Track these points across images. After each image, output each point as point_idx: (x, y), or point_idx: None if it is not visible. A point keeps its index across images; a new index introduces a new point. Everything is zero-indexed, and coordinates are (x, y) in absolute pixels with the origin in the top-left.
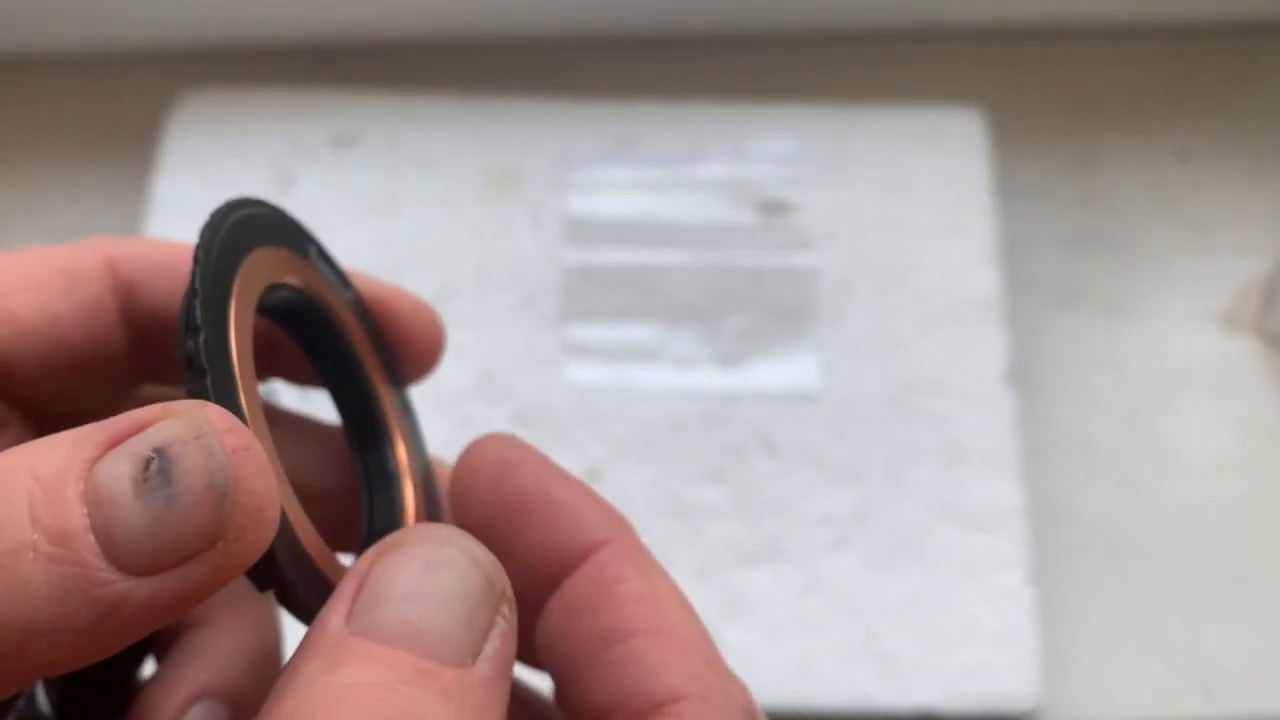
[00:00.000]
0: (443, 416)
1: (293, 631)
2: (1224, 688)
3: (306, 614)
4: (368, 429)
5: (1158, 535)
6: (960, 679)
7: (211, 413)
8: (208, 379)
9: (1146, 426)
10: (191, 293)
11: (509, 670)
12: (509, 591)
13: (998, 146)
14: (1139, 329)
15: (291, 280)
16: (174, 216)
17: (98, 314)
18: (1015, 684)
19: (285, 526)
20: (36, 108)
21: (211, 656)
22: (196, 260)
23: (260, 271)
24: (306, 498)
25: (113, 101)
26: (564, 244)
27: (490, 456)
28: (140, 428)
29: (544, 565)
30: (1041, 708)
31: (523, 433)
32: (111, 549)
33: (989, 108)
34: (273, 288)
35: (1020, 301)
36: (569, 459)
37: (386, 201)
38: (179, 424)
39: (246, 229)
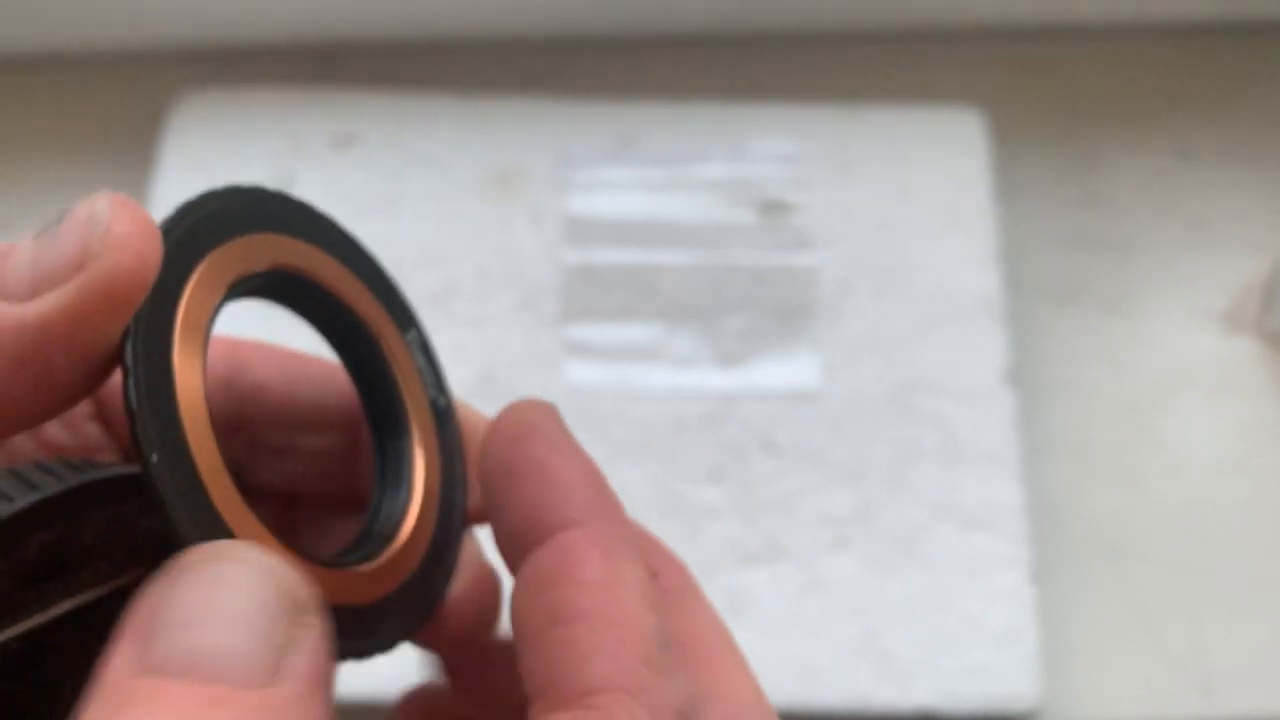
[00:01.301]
0: None
1: None
2: (1224, 688)
3: (172, 529)
4: (386, 415)
5: (1158, 535)
6: (960, 679)
7: (116, 194)
8: (135, 425)
9: (1146, 426)
10: (124, 332)
11: (323, 681)
12: (310, 599)
13: (998, 146)
14: (1139, 329)
15: (260, 265)
16: None
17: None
18: (1015, 684)
19: (182, 449)
20: (36, 108)
21: None
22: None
23: (224, 267)
24: (310, 428)
25: (113, 101)
26: (564, 244)
27: (515, 418)
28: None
29: (523, 531)
30: (1041, 708)
31: None
32: (1, 281)
33: (989, 108)
34: (240, 280)
35: (1020, 301)
36: None
37: (386, 201)
38: (99, 193)
39: (207, 227)
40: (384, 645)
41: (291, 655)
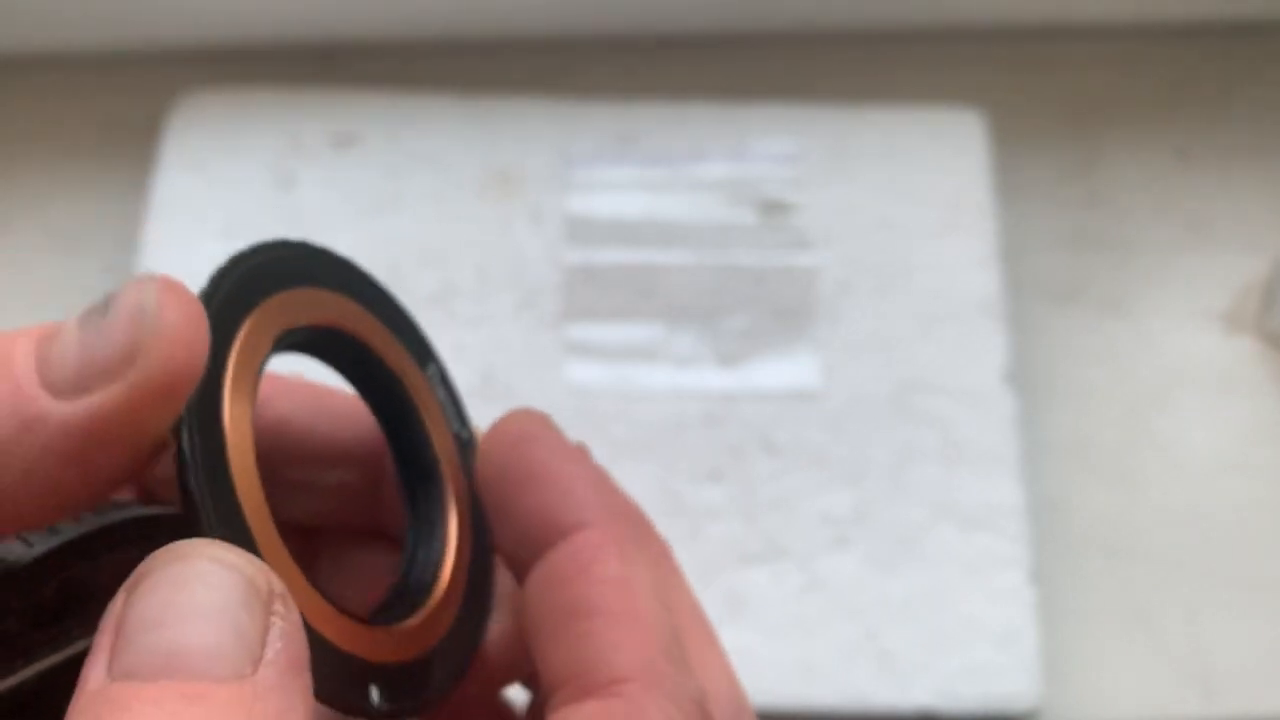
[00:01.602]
0: None
1: None
2: (1224, 688)
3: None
4: (414, 460)
5: (1158, 535)
6: (960, 679)
7: (165, 275)
8: (194, 509)
9: (1146, 426)
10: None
11: (300, 667)
12: (279, 587)
13: (998, 146)
14: (1139, 329)
15: (299, 321)
16: (174, 216)
17: None
18: (1015, 684)
19: (242, 527)
20: (36, 108)
21: None
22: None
23: (266, 326)
24: (331, 463)
25: (113, 101)
26: (564, 244)
27: (513, 427)
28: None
29: (534, 534)
30: (1041, 708)
31: None
32: (44, 370)
33: (989, 108)
34: (281, 337)
35: (1020, 301)
36: None
37: (386, 201)
38: (140, 277)
39: (246, 286)
40: (437, 697)
41: (267, 645)
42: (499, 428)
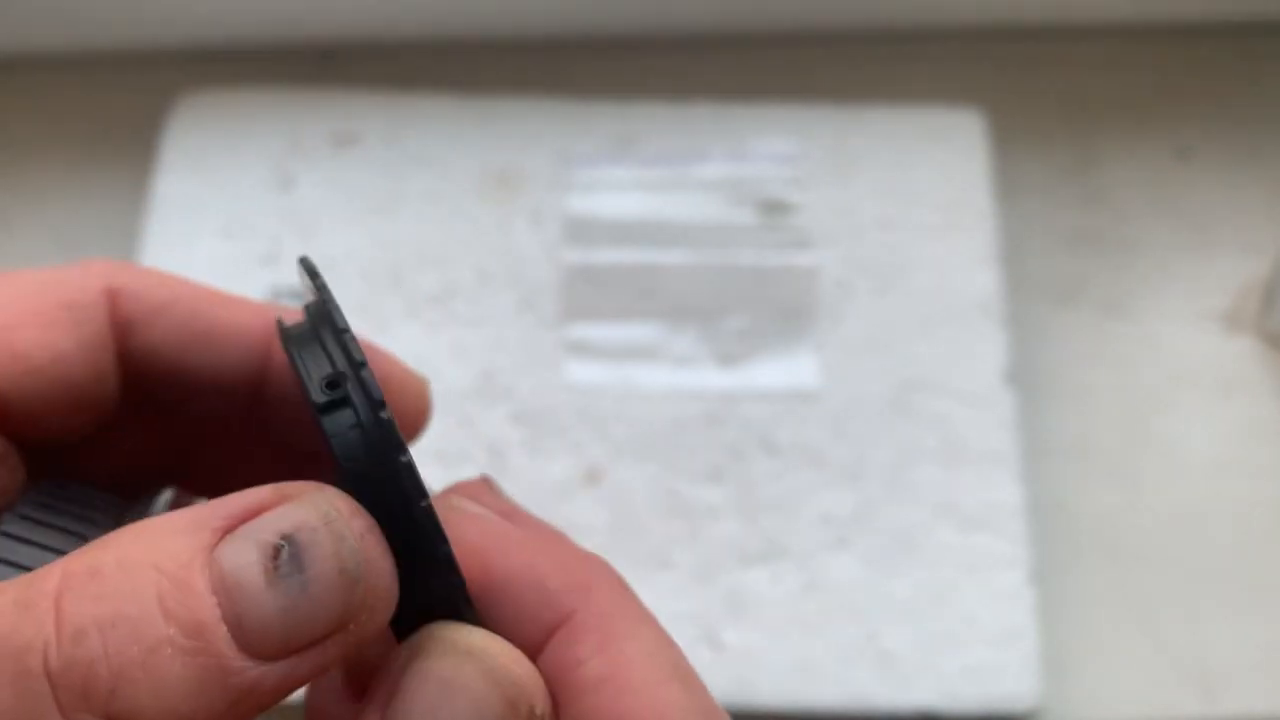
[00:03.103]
0: (443, 416)
1: None
2: (1224, 688)
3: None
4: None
5: (1158, 535)
6: (960, 679)
7: (333, 495)
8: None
9: (1146, 426)
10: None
11: None
12: (539, 705)
13: (998, 146)
14: (1139, 329)
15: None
16: (174, 216)
17: (99, 351)
18: (1015, 684)
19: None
20: (36, 108)
21: None
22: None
23: None
24: (202, 394)
25: (113, 101)
26: (564, 244)
27: (471, 534)
28: (256, 511)
29: (520, 644)
30: (1042, 708)
31: (523, 433)
32: (243, 637)
33: (989, 108)
34: None
35: (1020, 301)
36: (569, 459)
37: (386, 201)
38: (304, 509)
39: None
40: None
41: None
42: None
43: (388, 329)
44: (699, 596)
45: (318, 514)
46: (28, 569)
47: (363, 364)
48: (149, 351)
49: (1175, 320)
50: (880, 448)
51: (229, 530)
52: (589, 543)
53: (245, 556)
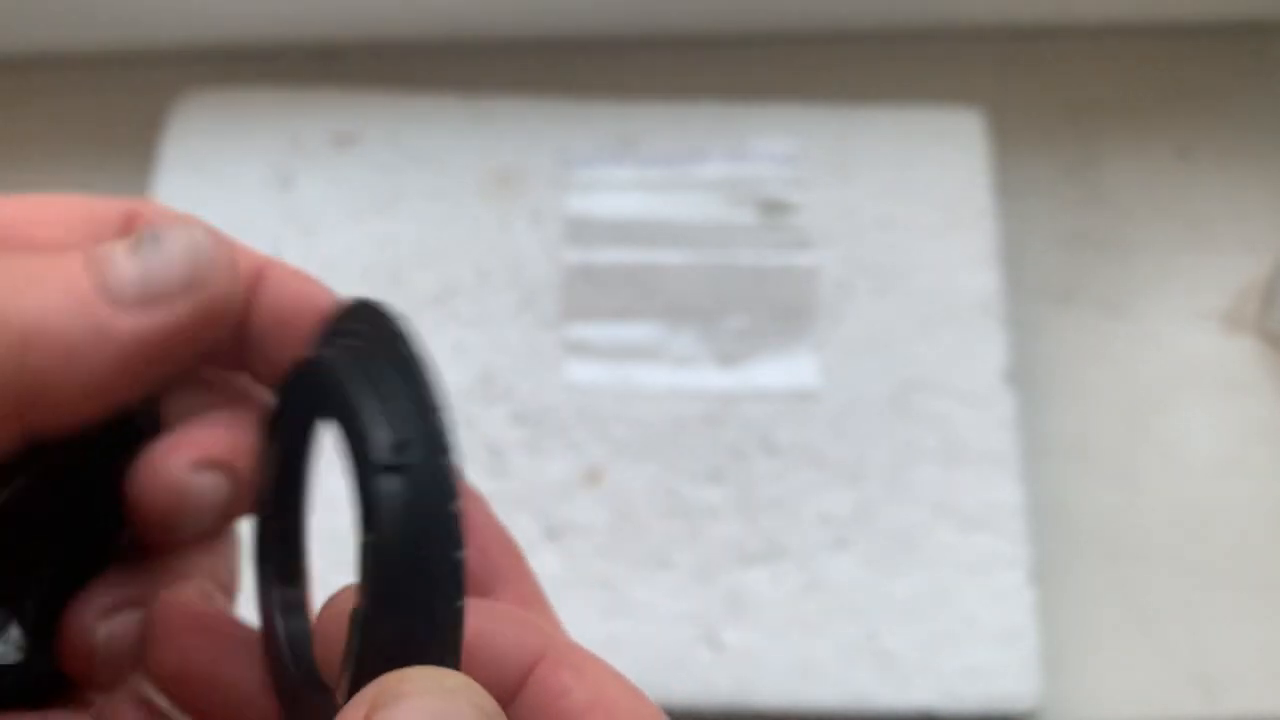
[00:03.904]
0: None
1: None
2: (1224, 688)
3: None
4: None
5: (1158, 535)
6: (960, 679)
7: (191, 217)
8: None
9: (1146, 426)
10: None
11: None
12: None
13: (998, 146)
14: (1139, 329)
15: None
16: None
17: None
18: (1015, 684)
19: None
20: (36, 108)
21: (213, 428)
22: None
23: None
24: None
25: (113, 101)
26: (564, 244)
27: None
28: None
29: (500, 684)
30: (1041, 708)
31: (523, 433)
32: (107, 291)
33: (989, 108)
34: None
35: (1020, 301)
36: (569, 459)
37: (386, 201)
38: (166, 217)
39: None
40: None
41: None
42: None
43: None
44: (699, 596)
45: (177, 218)
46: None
47: (445, 449)
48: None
49: (1175, 320)
50: (880, 448)
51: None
52: (589, 543)
53: (112, 246)
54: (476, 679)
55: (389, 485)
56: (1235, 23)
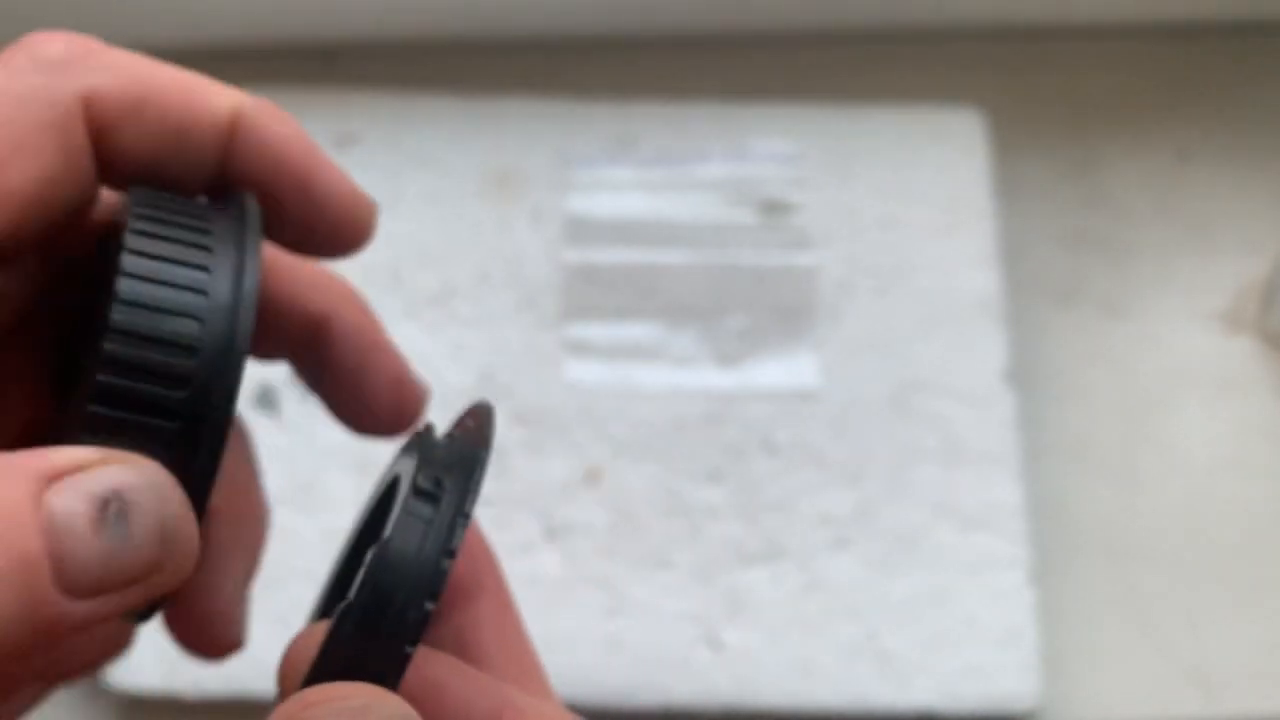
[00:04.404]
0: (443, 416)
1: None
2: (1224, 688)
3: None
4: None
5: (1158, 535)
6: (960, 679)
7: (156, 468)
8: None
9: (1146, 426)
10: None
11: None
12: None
13: (998, 146)
14: (1139, 329)
15: None
16: None
17: (82, 165)
18: (1015, 684)
19: None
20: None
21: (243, 551)
22: None
23: None
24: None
25: None
26: (564, 244)
27: None
28: (81, 467)
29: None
30: (1041, 708)
31: (522, 432)
32: (63, 576)
33: (989, 108)
34: None
35: (1020, 301)
36: (569, 459)
37: (386, 201)
38: (133, 474)
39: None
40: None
41: None
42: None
43: (387, 329)
44: (699, 596)
45: (145, 480)
46: (166, 282)
47: (466, 517)
48: (121, 153)
49: (1175, 320)
50: (880, 448)
51: (55, 480)
52: (589, 543)
53: (75, 505)
54: None
55: (419, 509)
56: (1235, 23)
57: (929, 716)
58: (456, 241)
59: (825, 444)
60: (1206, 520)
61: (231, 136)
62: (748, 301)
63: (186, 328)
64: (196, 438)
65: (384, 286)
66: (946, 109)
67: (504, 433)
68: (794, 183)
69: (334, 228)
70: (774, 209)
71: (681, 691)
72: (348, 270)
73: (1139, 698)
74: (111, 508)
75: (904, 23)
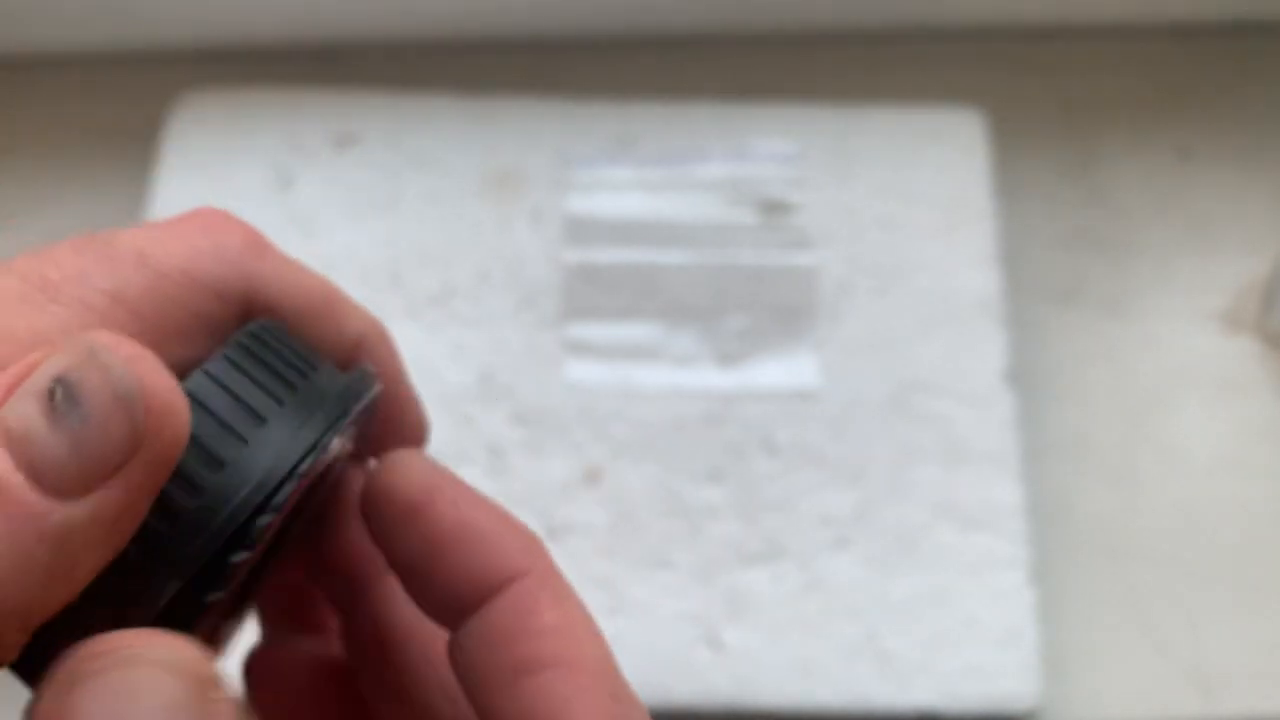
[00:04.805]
0: (443, 416)
1: None
2: (1224, 688)
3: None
4: None
5: (1158, 535)
6: (960, 679)
7: (96, 332)
8: None
9: (1146, 426)
10: None
11: None
12: (216, 673)
13: (998, 146)
14: (1139, 329)
15: None
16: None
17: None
18: (1015, 684)
19: None
20: (36, 108)
21: None
22: None
23: None
24: None
25: (113, 101)
26: (564, 244)
27: (406, 483)
28: (28, 373)
29: (462, 593)
30: (1041, 708)
31: (523, 433)
32: (42, 480)
33: (989, 108)
34: None
35: (1020, 301)
36: (569, 459)
37: (386, 201)
38: (67, 353)
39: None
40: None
41: None
42: (389, 485)
43: (387, 329)
44: (699, 596)
45: (81, 352)
46: (221, 419)
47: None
48: None
49: (1175, 320)
50: (880, 448)
51: (10, 392)
52: (589, 542)
53: (24, 408)
54: (457, 567)
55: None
56: (1235, 23)
57: (929, 716)
58: (456, 241)
59: (825, 444)
60: (1206, 520)
61: (351, 357)
62: (748, 301)
63: (205, 465)
64: (153, 572)
65: (384, 286)
66: (946, 109)
67: (504, 433)
68: (794, 183)
69: (399, 443)
70: (774, 209)
71: (681, 691)
72: (348, 270)
73: (1139, 698)
74: (57, 394)
75: (904, 23)
